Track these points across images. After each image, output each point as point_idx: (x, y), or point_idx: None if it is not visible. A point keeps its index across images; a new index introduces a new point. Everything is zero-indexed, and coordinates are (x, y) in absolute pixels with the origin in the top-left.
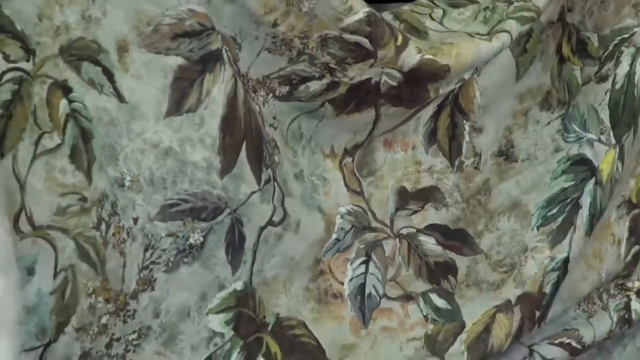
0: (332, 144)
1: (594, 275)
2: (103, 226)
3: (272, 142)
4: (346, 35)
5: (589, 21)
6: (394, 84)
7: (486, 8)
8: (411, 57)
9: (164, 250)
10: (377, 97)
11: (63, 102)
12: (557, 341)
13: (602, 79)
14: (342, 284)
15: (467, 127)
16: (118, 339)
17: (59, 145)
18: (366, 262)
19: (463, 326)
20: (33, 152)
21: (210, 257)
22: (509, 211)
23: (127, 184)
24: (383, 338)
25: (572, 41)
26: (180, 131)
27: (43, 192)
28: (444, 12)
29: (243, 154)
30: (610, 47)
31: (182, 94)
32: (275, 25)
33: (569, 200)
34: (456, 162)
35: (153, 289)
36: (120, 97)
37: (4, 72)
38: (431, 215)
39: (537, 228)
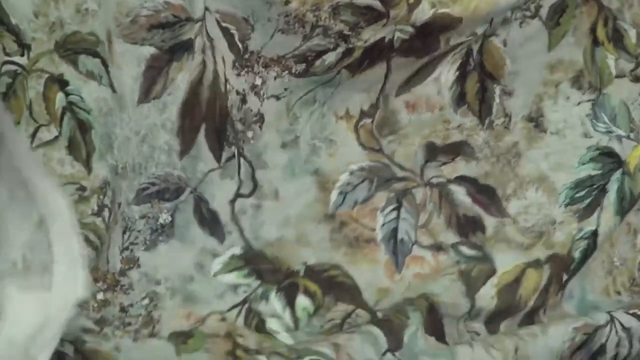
0: (347, 105)
1: (602, 256)
2: (105, 212)
3: (251, 117)
4: (357, 0)
5: (628, 13)
6: (406, 37)
7: None
8: (424, 12)
9: (139, 231)
10: (390, 52)
11: (60, 96)
12: (631, 311)
13: (638, 78)
14: (373, 230)
15: (497, 91)
16: (131, 305)
17: (56, 138)
18: (397, 209)
19: (494, 270)
20: (30, 144)
21: (185, 232)
22: (537, 183)
23: (119, 171)
24: (417, 282)
25: (608, 27)
26: (149, 117)
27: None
28: None
29: (201, 135)
30: None
31: (150, 82)
32: (287, 2)
33: (595, 185)
34: (486, 121)
35: (139, 266)
36: (112, 87)
37: (3, 64)
38: (461, 166)
39: (565, 205)
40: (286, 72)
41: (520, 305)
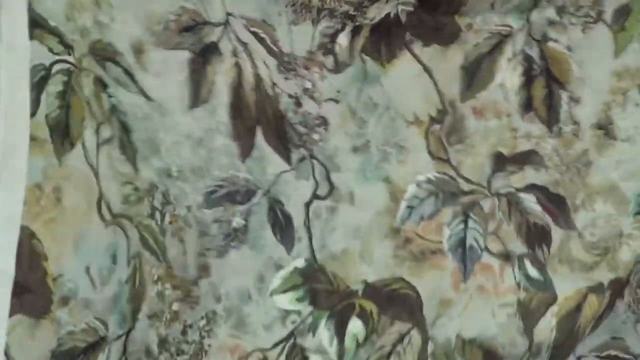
0: (413, 110)
1: None
2: (157, 215)
3: (312, 121)
4: None
5: None
6: (410, 9)
7: None
8: None
9: (213, 236)
10: (401, 29)
11: (104, 96)
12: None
13: None
14: (440, 242)
15: (564, 97)
16: (190, 326)
17: (112, 136)
18: (464, 221)
19: (555, 297)
20: (96, 141)
21: (257, 238)
22: (606, 194)
23: (174, 174)
24: (477, 298)
25: None
26: (203, 121)
27: (111, 180)
28: None
29: (260, 137)
30: None
31: (197, 86)
32: None
33: None
34: (554, 128)
35: (209, 275)
36: (145, 96)
37: (52, 64)
38: (530, 175)
39: (634, 215)
40: (324, 69)
41: (579, 336)
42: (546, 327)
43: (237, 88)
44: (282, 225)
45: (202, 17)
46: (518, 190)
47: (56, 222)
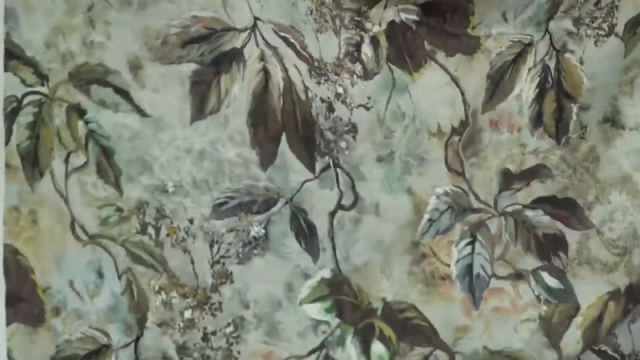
0: (438, 120)
1: None
2: (150, 230)
3: (342, 127)
4: None
5: None
6: (416, 18)
7: None
8: None
9: (230, 244)
10: (418, 38)
11: (80, 124)
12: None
13: None
14: (449, 265)
15: (574, 109)
16: (214, 333)
17: (85, 163)
18: (472, 243)
19: (578, 308)
20: (65, 169)
21: (280, 246)
22: (620, 185)
23: (170, 189)
24: (495, 319)
25: None
26: (207, 133)
27: (83, 205)
28: None
29: (284, 145)
30: None
31: (201, 98)
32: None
33: None
34: (562, 139)
35: (232, 281)
36: (141, 112)
37: (24, 95)
38: (537, 189)
39: None
40: (355, 75)
41: (598, 343)
42: (572, 341)
43: (261, 94)
44: (306, 235)
45: (225, 24)
46: (525, 207)
47: (36, 240)
